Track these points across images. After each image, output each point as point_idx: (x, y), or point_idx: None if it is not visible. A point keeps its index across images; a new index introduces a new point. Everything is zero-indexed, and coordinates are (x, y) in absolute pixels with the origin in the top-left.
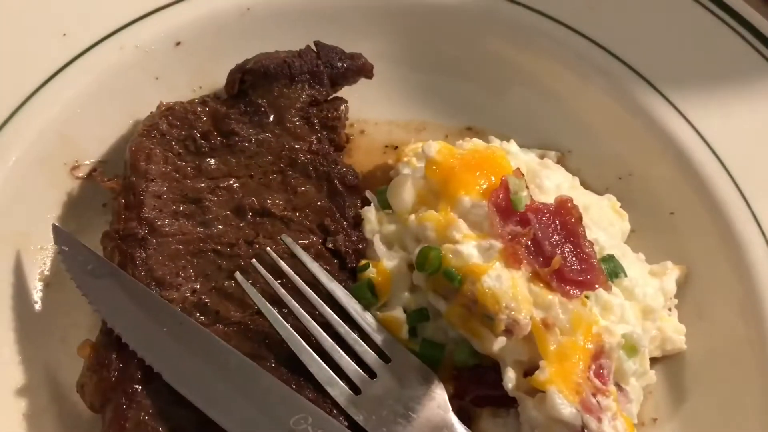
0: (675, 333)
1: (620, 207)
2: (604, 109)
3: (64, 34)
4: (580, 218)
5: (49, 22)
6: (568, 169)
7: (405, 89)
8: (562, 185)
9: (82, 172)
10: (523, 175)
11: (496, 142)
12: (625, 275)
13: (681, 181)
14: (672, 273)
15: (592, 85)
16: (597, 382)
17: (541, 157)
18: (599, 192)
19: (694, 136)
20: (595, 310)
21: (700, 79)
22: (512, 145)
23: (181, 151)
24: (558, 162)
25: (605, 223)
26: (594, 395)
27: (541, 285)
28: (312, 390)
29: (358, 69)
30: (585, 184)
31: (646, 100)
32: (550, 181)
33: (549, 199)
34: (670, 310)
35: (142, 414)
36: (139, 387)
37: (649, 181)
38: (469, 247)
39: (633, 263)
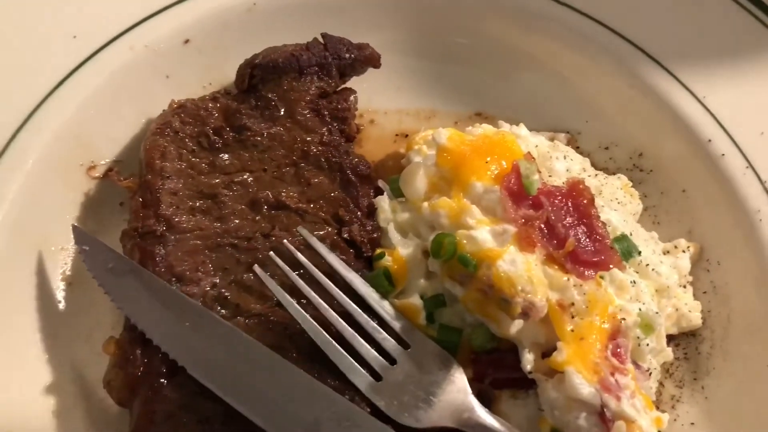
0: (690, 310)
1: (631, 186)
2: (612, 89)
3: (75, 37)
4: (592, 199)
5: (59, 26)
6: (578, 151)
7: (413, 77)
8: (572, 167)
9: (98, 173)
10: (534, 158)
11: (505, 127)
12: (639, 254)
13: (692, 159)
14: (686, 250)
15: (599, 66)
16: (614, 361)
17: (551, 139)
18: (610, 172)
19: (703, 112)
20: (610, 290)
21: (706, 54)
22: (522, 129)
23: (194, 147)
24: (568, 144)
25: (617, 204)
26: (612, 374)
27: (556, 267)
28: (334, 378)
29: (366, 59)
30: (595, 165)
31: (654, 78)
32: (560, 164)
33: (560, 181)
34: (684, 287)
35: (170, 407)
36: (164, 381)
37: (659, 160)
38: (482, 233)
39: (646, 242)
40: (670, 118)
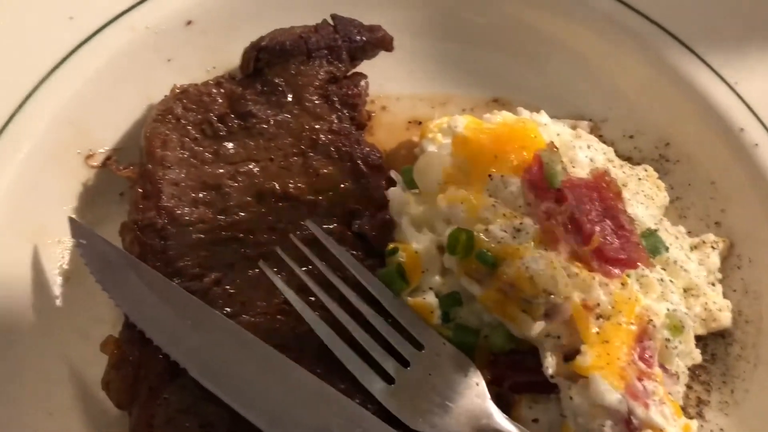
0: (720, 309)
1: (657, 178)
2: (639, 75)
3: (71, 18)
4: (620, 192)
5: (55, 6)
6: (601, 140)
7: (427, 61)
8: (596, 157)
9: (96, 161)
10: (557, 148)
11: (525, 114)
12: (667, 250)
13: (722, 149)
14: (714, 246)
15: (625, 50)
16: (642, 365)
17: (573, 127)
18: (634, 162)
19: (735, 99)
20: (636, 289)
21: (738, 38)
22: (543, 116)
23: (197, 135)
24: (591, 132)
25: (643, 196)
26: (639, 379)
27: (580, 265)
28: (344, 381)
29: (378, 42)
30: (619, 155)
31: (682, 63)
32: (583, 154)
33: (583, 172)
34: (713, 285)
35: (170, 411)
36: (165, 383)
37: (687, 150)
38: (502, 228)
39: (673, 237)
40: (700, 106)
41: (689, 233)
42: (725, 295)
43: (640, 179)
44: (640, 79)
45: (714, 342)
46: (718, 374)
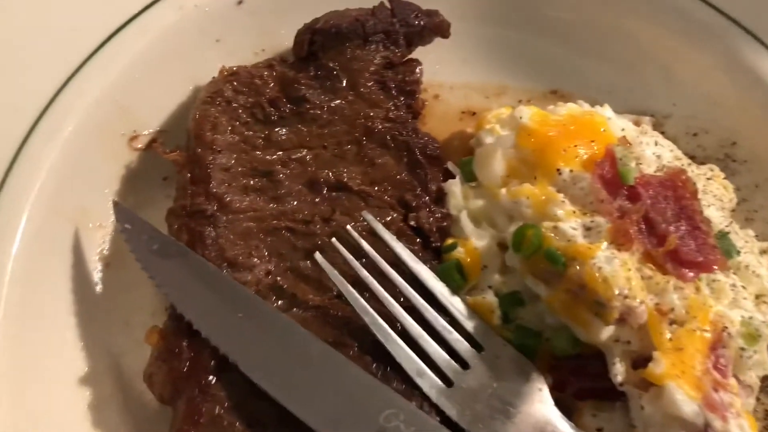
0: None
1: (724, 178)
2: (705, 69)
3: None
4: (696, 192)
5: None
6: (663, 137)
7: (482, 49)
8: (663, 155)
9: (140, 143)
10: (630, 143)
11: (586, 107)
12: (738, 254)
13: None
14: None
15: (691, 43)
16: (717, 375)
17: (636, 123)
18: (698, 161)
19: None
20: (706, 293)
21: None
22: (607, 110)
23: (248, 119)
24: (653, 129)
25: (712, 197)
26: (715, 390)
27: (654, 267)
28: (399, 381)
29: (435, 27)
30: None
31: (754, 58)
32: (650, 150)
33: (650, 170)
34: None
35: (218, 407)
36: (213, 378)
37: (756, 149)
38: (572, 226)
39: (743, 240)
40: None
41: (757, 237)
42: None
43: (708, 179)
44: (706, 73)
45: None
46: None
